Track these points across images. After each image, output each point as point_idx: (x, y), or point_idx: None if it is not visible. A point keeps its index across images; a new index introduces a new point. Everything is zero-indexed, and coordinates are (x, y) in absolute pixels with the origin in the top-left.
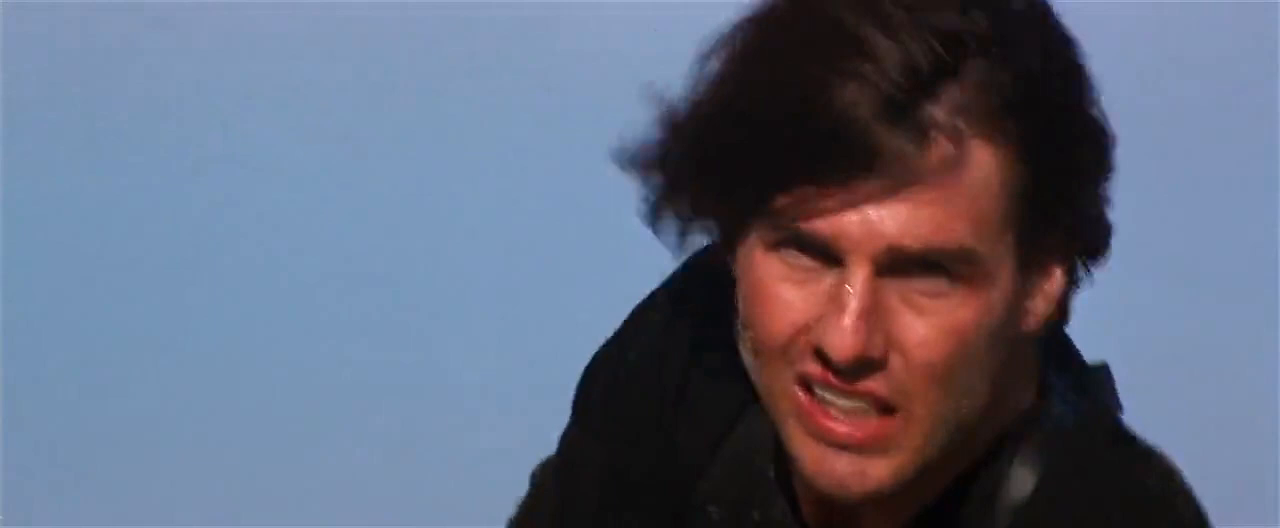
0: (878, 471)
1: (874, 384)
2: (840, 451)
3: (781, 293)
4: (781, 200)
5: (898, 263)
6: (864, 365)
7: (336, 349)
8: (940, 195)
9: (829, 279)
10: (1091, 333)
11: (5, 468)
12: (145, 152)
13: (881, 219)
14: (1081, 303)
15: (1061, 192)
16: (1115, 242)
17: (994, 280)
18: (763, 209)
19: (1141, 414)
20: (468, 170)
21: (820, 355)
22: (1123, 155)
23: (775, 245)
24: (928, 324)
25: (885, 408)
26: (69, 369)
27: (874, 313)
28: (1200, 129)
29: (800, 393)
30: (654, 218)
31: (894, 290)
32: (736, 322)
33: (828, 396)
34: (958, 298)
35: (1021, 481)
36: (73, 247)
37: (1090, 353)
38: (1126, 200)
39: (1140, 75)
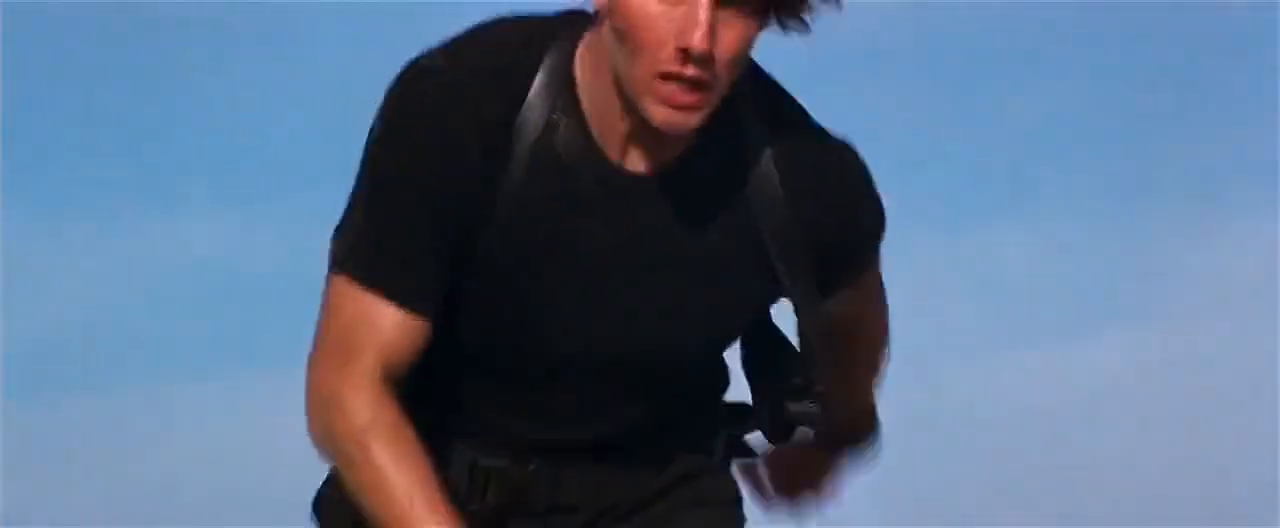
0: (695, 120)
1: (702, 71)
2: (676, 110)
3: (655, 15)
4: None
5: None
6: (704, 58)
7: None
8: None
9: (683, 7)
10: (1091, 335)
11: (5, 468)
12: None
13: None
14: (1082, 312)
15: None
16: (1114, 244)
17: (767, 12)
18: None
19: (1144, 414)
20: None
21: (681, 52)
22: (1123, 159)
23: None
24: (735, 35)
25: (701, 85)
26: (70, 371)
27: (711, 25)
28: (1200, 130)
29: (660, 79)
30: None
31: (720, 15)
32: (601, 38)
33: (674, 78)
34: (750, 21)
35: (756, 121)
36: (75, 245)
37: (1093, 352)
38: (1125, 201)
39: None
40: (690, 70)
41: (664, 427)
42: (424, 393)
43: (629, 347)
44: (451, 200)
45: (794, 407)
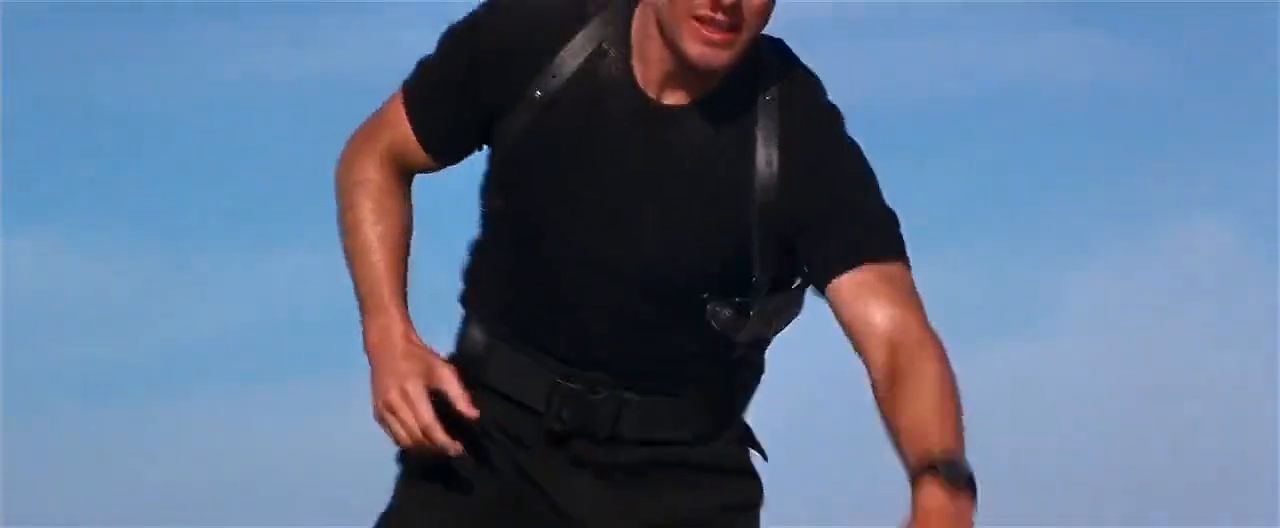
0: (725, 56)
1: (731, 15)
2: (710, 45)
3: None
4: None
5: None
6: (734, 6)
7: (340, 358)
8: None
9: None
10: (1093, 337)
11: (5, 468)
12: (155, 154)
13: None
14: (1085, 323)
15: None
16: (1116, 247)
17: None
18: None
19: (1143, 414)
20: None
21: (715, 3)
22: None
23: None
24: None
25: (734, 28)
26: (71, 375)
27: None
28: (1199, 130)
29: (694, 20)
30: None
31: None
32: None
33: (707, 21)
34: None
35: (769, 64)
36: (74, 249)
37: (1094, 355)
38: (1124, 204)
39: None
40: (721, 15)
41: (697, 380)
42: (516, 321)
43: (637, 254)
44: (491, 80)
45: (716, 309)
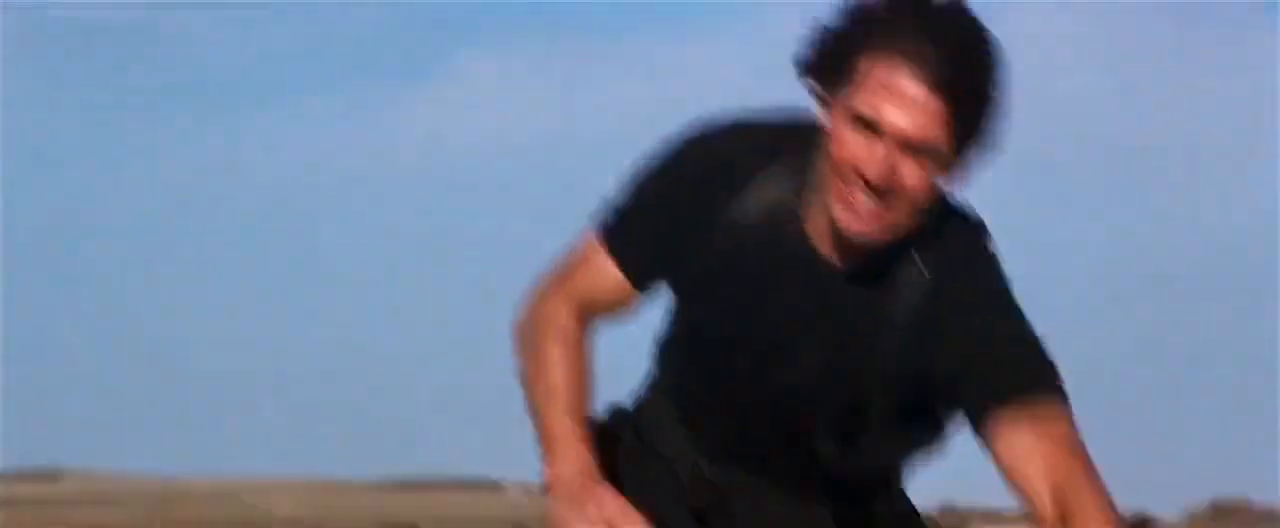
0: (868, 228)
1: (883, 195)
2: (852, 212)
3: (852, 143)
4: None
5: (906, 146)
6: (881, 189)
7: (331, 347)
8: (931, 119)
9: (875, 143)
10: (1096, 335)
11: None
12: (149, 146)
13: (904, 123)
14: (1083, 308)
15: (969, 132)
16: (1125, 243)
17: (943, 162)
18: (853, 103)
19: (1143, 413)
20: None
21: (860, 176)
22: (1126, 162)
23: (850, 121)
24: (915, 176)
25: (882, 205)
26: (69, 365)
27: (892, 164)
28: (1201, 130)
29: (844, 183)
30: (808, 81)
31: (903, 157)
32: (817, 150)
33: (857, 194)
34: (930, 168)
35: (924, 243)
36: (73, 241)
37: (1093, 354)
38: (1127, 202)
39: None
40: (867, 188)
41: (826, 492)
42: (676, 398)
43: (769, 388)
44: (682, 225)
45: (822, 444)
